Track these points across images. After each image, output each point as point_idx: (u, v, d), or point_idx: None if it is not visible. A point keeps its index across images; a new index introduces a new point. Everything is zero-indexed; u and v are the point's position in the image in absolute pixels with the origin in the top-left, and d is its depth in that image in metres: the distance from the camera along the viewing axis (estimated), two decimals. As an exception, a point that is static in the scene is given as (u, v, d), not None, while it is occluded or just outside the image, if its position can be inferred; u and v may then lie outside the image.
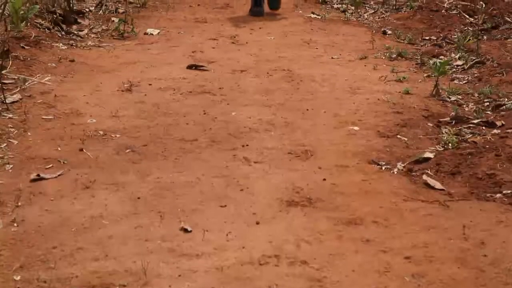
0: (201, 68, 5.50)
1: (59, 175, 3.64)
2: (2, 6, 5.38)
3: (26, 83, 4.90)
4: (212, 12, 7.18)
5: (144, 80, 5.13)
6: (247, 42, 6.23)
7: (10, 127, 4.21)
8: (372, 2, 7.46)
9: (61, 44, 5.95)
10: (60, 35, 6.15)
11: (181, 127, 4.31)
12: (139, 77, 5.18)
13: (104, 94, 4.86)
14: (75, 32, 6.30)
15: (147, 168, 3.74)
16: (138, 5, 7.19)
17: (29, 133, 4.16)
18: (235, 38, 6.32)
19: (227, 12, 7.21)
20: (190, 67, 5.51)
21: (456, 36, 6.23)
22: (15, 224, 3.13)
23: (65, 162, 3.79)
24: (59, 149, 3.96)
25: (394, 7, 7.25)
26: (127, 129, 4.26)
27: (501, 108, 4.66)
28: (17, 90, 4.78)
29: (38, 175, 3.60)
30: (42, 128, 4.24)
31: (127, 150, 3.97)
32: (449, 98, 4.87)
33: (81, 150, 3.94)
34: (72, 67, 5.41)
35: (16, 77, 4.95)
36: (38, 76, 5.08)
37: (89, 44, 6.06)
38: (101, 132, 4.20)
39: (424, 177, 3.67)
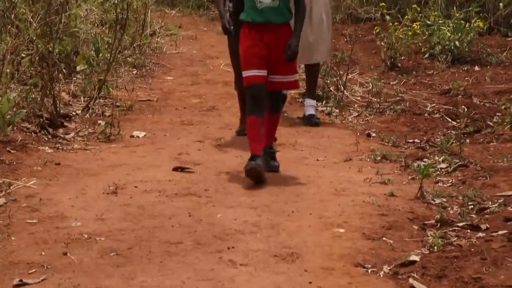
0: (187, 170, 5.52)
1: (42, 280, 3.60)
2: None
3: (11, 187, 4.90)
4: (198, 115, 7.26)
5: (130, 182, 5.14)
6: (232, 144, 6.28)
7: (-6, 230, 4.18)
8: (356, 105, 7.57)
9: (47, 148, 5.97)
10: (46, 139, 6.19)
11: (166, 230, 4.29)
12: (124, 180, 5.18)
13: (89, 197, 4.86)
14: (62, 135, 6.34)
15: (131, 271, 3.71)
16: (125, 108, 7.26)
17: (13, 238, 4.13)
18: (220, 140, 6.37)
19: (213, 114, 7.29)
20: (176, 169, 5.53)
21: (439, 139, 6.31)
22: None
23: (49, 266, 3.75)
24: (43, 253, 3.93)
25: (378, 110, 7.36)
26: (112, 232, 4.24)
27: (486, 211, 4.68)
28: (2, 194, 4.77)
29: (21, 280, 3.56)
30: (26, 232, 4.21)
31: (112, 254, 3.94)
32: (434, 200, 4.90)
33: (65, 254, 3.91)
34: (58, 171, 5.42)
35: (1, 181, 4.95)
36: (24, 180, 5.08)
37: (75, 147, 6.09)
38: (86, 235, 4.17)
39: (411, 280, 3.66)
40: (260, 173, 5.11)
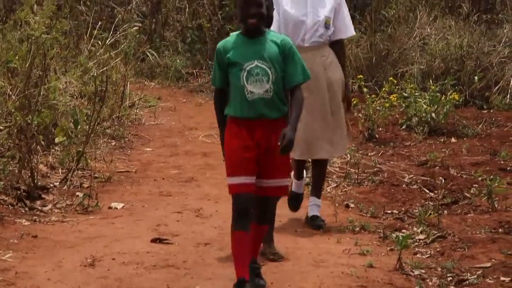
0: (165, 241, 5.49)
1: None
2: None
3: (-13, 261, 4.83)
4: (177, 186, 7.24)
5: (107, 254, 5.10)
6: (211, 215, 6.26)
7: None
8: (334, 176, 7.59)
9: (24, 220, 5.93)
10: (23, 211, 6.14)
11: (143, 303, 4.24)
12: (102, 252, 5.14)
13: (66, 269, 4.80)
14: (39, 207, 6.30)
15: None
16: (103, 180, 7.24)
17: (-13, 311, 4.06)
18: (199, 211, 6.35)
19: (192, 185, 7.28)
20: (154, 240, 5.50)
21: (417, 210, 6.33)
22: None
23: None
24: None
25: (356, 181, 7.38)
26: (88, 305, 4.18)
27: (464, 283, 4.68)
28: (-23, 267, 4.70)
29: None
30: (1, 305, 4.14)
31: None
32: (413, 272, 4.89)
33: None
34: (35, 243, 5.37)
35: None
36: None
37: (52, 220, 6.04)
38: (62, 309, 4.11)
39: None
40: None
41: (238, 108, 4.45)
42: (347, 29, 5.94)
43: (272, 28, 5.05)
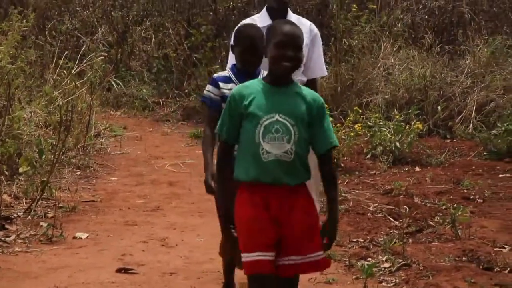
0: (131, 271, 5.46)
1: None
2: None
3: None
4: (143, 215, 7.21)
5: (72, 285, 5.05)
6: (177, 245, 6.24)
7: None
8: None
9: (-13, 250, 5.86)
10: (-14, 241, 6.08)
11: (108, 334, 4.21)
12: (66, 282, 5.09)
13: (29, 300, 4.75)
14: (2, 238, 6.22)
15: None
16: (68, 210, 7.19)
17: None
18: (165, 241, 6.33)
19: (158, 215, 7.26)
20: (119, 270, 5.46)
21: (382, 239, 6.37)
22: None
23: None
24: None
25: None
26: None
27: (429, 309, 4.70)
28: None
29: None
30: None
31: None
32: (378, 300, 4.91)
33: None
34: (-3, 274, 5.31)
35: None
36: (-38, 283, 4.96)
37: (16, 250, 5.98)
38: None
39: None
40: None
41: (250, 170, 3.64)
42: (320, 69, 5.33)
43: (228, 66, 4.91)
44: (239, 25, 4.68)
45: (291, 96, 3.72)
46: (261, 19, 5.02)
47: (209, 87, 4.49)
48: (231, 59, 4.86)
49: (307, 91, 3.78)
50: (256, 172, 3.63)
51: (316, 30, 5.23)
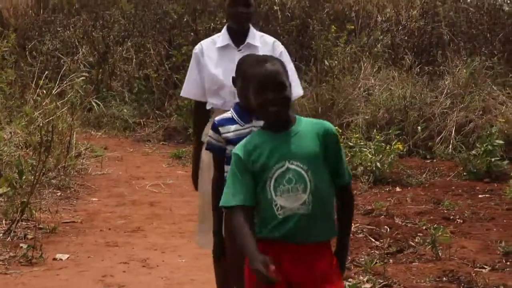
0: (111, 293, 5.43)
1: None
2: None
3: None
4: (124, 236, 7.19)
5: (52, 307, 5.02)
6: (158, 265, 6.22)
7: None
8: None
9: (-34, 274, 5.82)
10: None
11: None
12: (46, 304, 5.06)
13: (9, 322, 4.71)
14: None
15: None
16: (48, 231, 7.15)
17: None
18: (146, 262, 6.31)
19: (139, 235, 7.24)
20: (99, 292, 5.44)
21: (363, 259, 6.38)
22: None
23: None
24: None
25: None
26: None
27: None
28: None
29: None
30: None
31: None
32: (359, 320, 4.91)
33: None
34: (-23, 295, 5.27)
35: None
36: None
37: (-5, 271, 5.95)
38: None
39: None
40: None
41: (265, 228, 3.18)
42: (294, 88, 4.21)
43: (188, 94, 4.80)
44: (242, 56, 4.13)
45: (298, 136, 3.23)
46: (221, 39, 4.72)
47: (210, 132, 4.08)
48: (189, 76, 4.73)
49: (314, 123, 3.29)
50: (271, 229, 3.17)
51: (281, 47, 4.74)
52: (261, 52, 4.48)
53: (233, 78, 4.10)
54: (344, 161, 3.29)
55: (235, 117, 4.03)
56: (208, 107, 4.71)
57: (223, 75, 4.59)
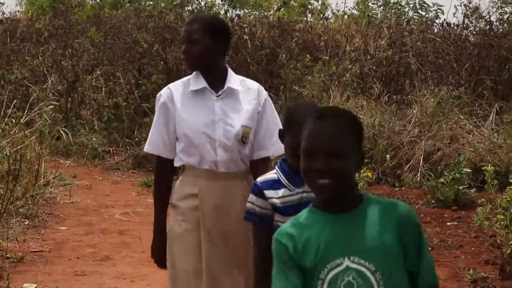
0: (79, 323, 5.38)
1: None
2: None
3: None
4: (92, 265, 7.14)
5: (19, 337, 4.96)
6: (127, 296, 6.19)
7: None
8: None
9: None
10: None
11: None
12: (13, 334, 5.00)
13: None
14: None
15: None
16: (15, 260, 7.08)
17: None
18: (114, 292, 6.28)
19: (108, 264, 7.19)
20: (67, 322, 5.38)
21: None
22: None
23: None
24: None
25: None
26: None
27: None
28: None
29: None
30: None
31: None
32: None
33: None
34: None
35: None
36: None
37: (-39, 301, 5.87)
38: None
39: None
40: None
41: None
42: (274, 144, 3.88)
43: (152, 149, 3.97)
44: (291, 104, 3.53)
45: (364, 222, 2.39)
46: (194, 82, 3.95)
47: (252, 197, 3.29)
48: (154, 128, 3.97)
49: (386, 205, 2.46)
50: None
51: (265, 94, 4.04)
52: (243, 99, 3.93)
53: (280, 130, 3.38)
54: (428, 259, 2.48)
55: (282, 178, 3.27)
56: (176, 164, 3.93)
57: (200, 126, 3.86)
